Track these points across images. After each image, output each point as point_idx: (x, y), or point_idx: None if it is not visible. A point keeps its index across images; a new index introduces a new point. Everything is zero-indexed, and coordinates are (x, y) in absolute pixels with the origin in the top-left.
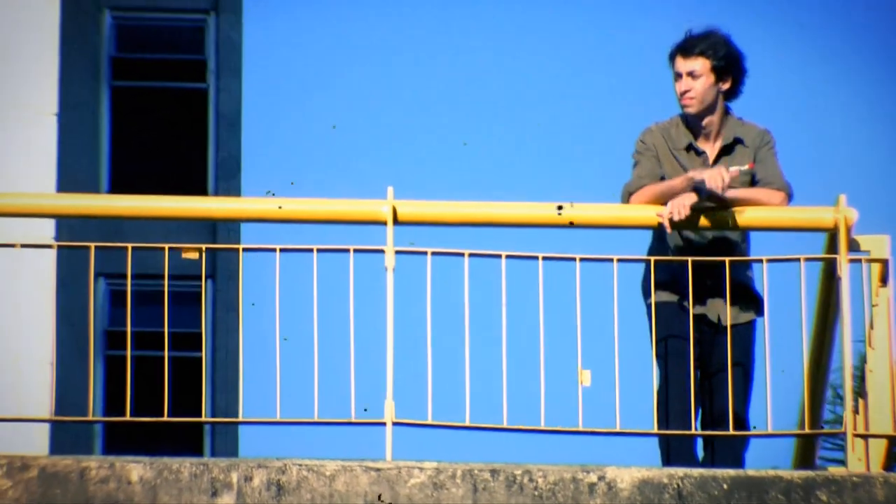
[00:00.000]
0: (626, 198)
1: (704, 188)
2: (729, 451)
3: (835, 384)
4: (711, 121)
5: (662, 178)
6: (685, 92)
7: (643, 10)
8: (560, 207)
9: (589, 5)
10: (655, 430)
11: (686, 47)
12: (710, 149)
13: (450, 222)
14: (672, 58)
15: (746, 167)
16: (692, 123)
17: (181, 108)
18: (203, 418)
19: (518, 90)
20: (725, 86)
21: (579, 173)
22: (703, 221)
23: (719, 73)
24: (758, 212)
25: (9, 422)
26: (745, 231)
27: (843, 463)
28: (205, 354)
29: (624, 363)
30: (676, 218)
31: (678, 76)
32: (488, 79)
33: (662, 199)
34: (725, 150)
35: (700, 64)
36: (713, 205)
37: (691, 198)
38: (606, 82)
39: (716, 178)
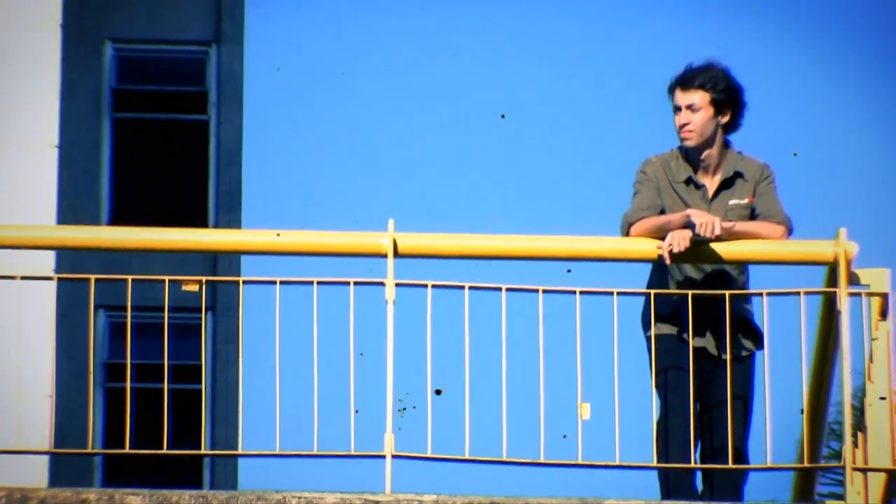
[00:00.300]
0: (626, 228)
1: (695, 231)
2: (728, 485)
3: (830, 420)
4: (710, 154)
5: (662, 210)
6: (684, 125)
7: (648, 16)
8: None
9: (597, 23)
10: (655, 464)
11: (685, 80)
12: (710, 182)
13: (450, 255)
14: (671, 91)
15: (746, 201)
16: (691, 156)
17: (182, 139)
18: (203, 451)
19: (523, 121)
20: (724, 119)
21: (582, 205)
22: (704, 255)
23: (718, 106)
24: (758, 245)
25: (8, 454)
26: (745, 264)
27: (842, 497)
28: (204, 387)
29: (623, 396)
30: (676, 250)
31: (677, 109)
32: (492, 112)
33: (661, 233)
34: (725, 184)
35: (699, 97)
36: (710, 238)
37: (687, 233)
38: (613, 114)
39: (707, 227)
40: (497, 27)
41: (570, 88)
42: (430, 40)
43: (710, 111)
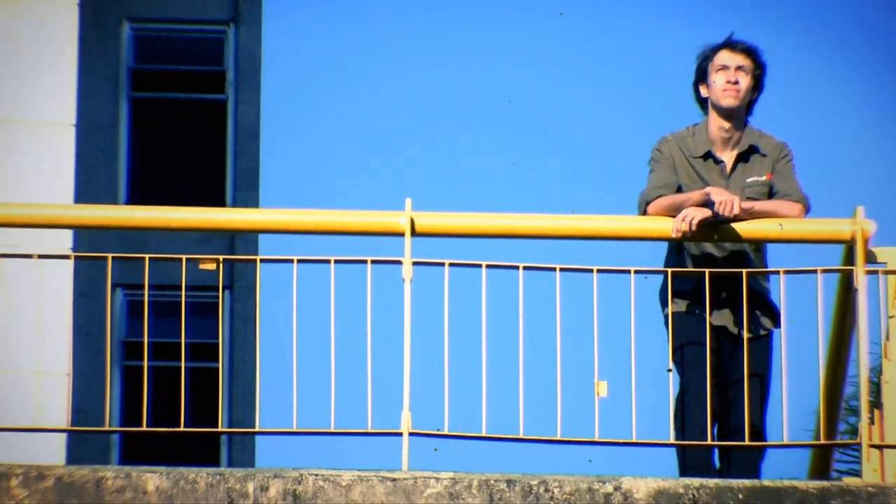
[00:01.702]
0: (643, 207)
1: (714, 208)
2: (745, 463)
3: (847, 397)
4: (734, 126)
5: (679, 188)
6: (733, 83)
7: (656, 18)
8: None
9: (608, 22)
10: (672, 441)
11: (735, 43)
12: (728, 157)
13: (467, 234)
14: (714, 50)
15: (764, 178)
16: (712, 128)
17: (200, 119)
18: (220, 429)
19: (540, 102)
20: (753, 95)
21: (597, 183)
22: (722, 232)
23: (756, 80)
24: (775, 223)
25: (26, 432)
26: (763, 243)
27: (858, 474)
28: (222, 365)
29: (640, 374)
30: (685, 228)
31: (723, 68)
32: (510, 91)
33: (678, 210)
34: (742, 157)
35: (747, 63)
36: (729, 217)
37: (703, 211)
38: (627, 95)
39: (726, 205)
40: (515, 18)
41: (585, 69)
42: (451, 21)
43: (750, 81)
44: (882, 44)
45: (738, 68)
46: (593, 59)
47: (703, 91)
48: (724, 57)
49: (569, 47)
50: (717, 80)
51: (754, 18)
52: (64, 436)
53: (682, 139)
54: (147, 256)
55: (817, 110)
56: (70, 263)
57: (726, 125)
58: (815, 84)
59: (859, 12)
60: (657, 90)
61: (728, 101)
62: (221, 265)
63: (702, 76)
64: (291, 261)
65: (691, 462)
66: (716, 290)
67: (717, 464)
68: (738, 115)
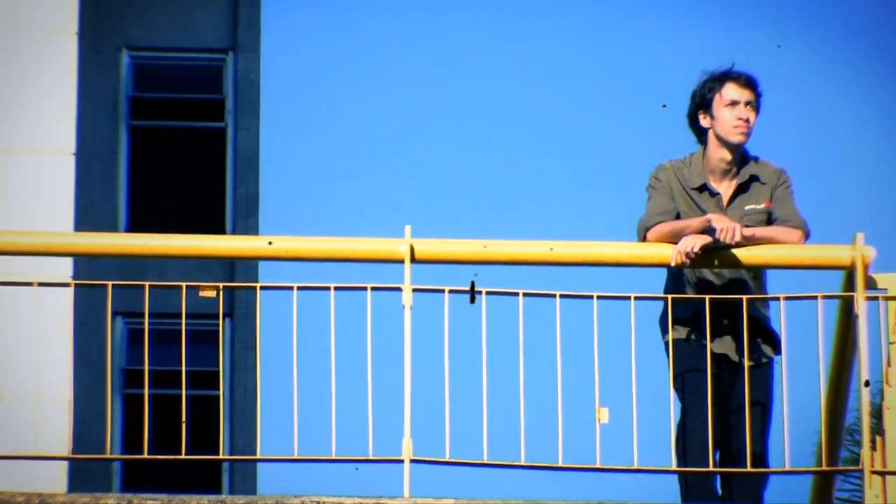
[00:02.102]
0: (643, 234)
1: (715, 234)
2: (748, 489)
3: (849, 424)
4: (734, 159)
5: (678, 215)
6: (744, 120)
7: (647, 17)
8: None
9: (611, 30)
10: (674, 468)
11: (742, 77)
12: (725, 188)
13: (467, 261)
14: (720, 82)
15: (762, 206)
16: (709, 162)
17: (199, 147)
18: (221, 456)
19: (541, 126)
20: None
21: (598, 209)
22: (721, 259)
23: (757, 112)
24: (775, 250)
25: (27, 459)
26: (762, 270)
27: (860, 500)
28: (222, 393)
29: (641, 400)
30: (684, 257)
31: (733, 103)
32: (510, 119)
33: (678, 237)
34: (742, 189)
35: (753, 97)
36: (729, 244)
37: (704, 238)
38: (634, 102)
39: (728, 232)
40: (511, 34)
41: (585, 94)
42: (444, 50)
43: (755, 115)
44: (888, 61)
45: (747, 104)
46: (599, 64)
47: (704, 121)
48: (733, 91)
49: (574, 52)
50: (726, 115)
51: (755, 21)
52: (65, 463)
53: (679, 169)
54: (147, 284)
55: (817, 134)
56: (70, 291)
57: (728, 157)
58: (815, 105)
59: (863, 22)
60: (663, 97)
61: (739, 137)
62: (221, 293)
63: (704, 106)
64: (291, 288)
65: (693, 488)
66: (716, 317)
67: (720, 491)
68: (740, 147)
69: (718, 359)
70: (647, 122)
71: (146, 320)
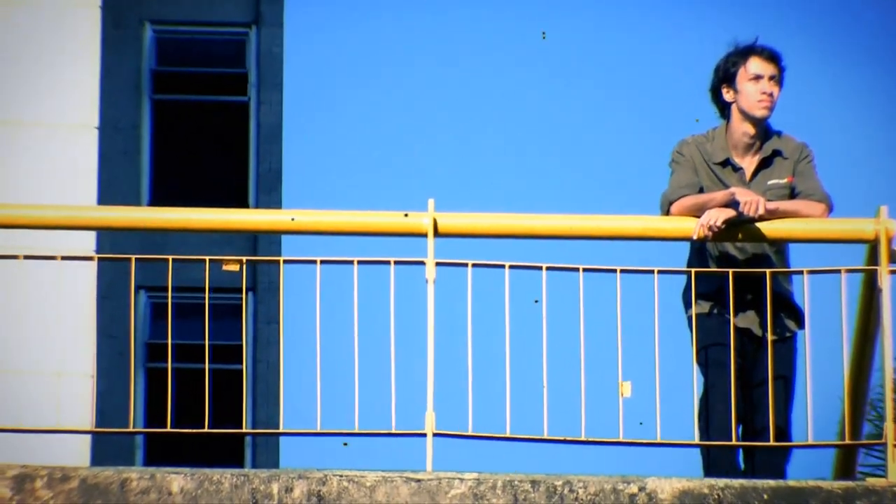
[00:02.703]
0: (667, 207)
1: (739, 208)
2: (770, 464)
3: (872, 398)
4: (758, 133)
5: (701, 189)
6: (768, 94)
7: (647, 15)
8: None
9: (624, 23)
10: (697, 441)
11: (766, 51)
12: (748, 163)
13: (490, 234)
14: (744, 56)
15: (785, 181)
16: (733, 137)
17: (222, 121)
18: (244, 430)
19: (563, 103)
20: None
21: (622, 183)
22: (745, 233)
23: (780, 87)
24: (798, 224)
25: (50, 433)
26: (785, 244)
27: (883, 473)
28: (245, 367)
29: (665, 374)
30: (706, 231)
31: (757, 77)
32: (535, 92)
33: (702, 211)
34: (764, 163)
35: (777, 71)
36: (753, 217)
37: (727, 212)
38: (641, 93)
39: (752, 205)
40: (559, 17)
41: (608, 70)
42: (475, 22)
43: (778, 90)
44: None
45: (771, 78)
46: (613, 58)
47: (728, 95)
48: (757, 66)
49: (587, 47)
50: (751, 89)
51: (762, 17)
52: (88, 437)
53: (701, 144)
54: (170, 258)
55: (839, 109)
56: (93, 265)
57: (752, 131)
58: (836, 82)
59: (876, 8)
60: (671, 91)
61: (763, 112)
62: (244, 266)
63: (727, 80)
64: (315, 262)
65: (716, 462)
66: (739, 292)
67: (742, 465)
68: (763, 122)
69: (741, 333)
70: (657, 97)
71: (169, 294)
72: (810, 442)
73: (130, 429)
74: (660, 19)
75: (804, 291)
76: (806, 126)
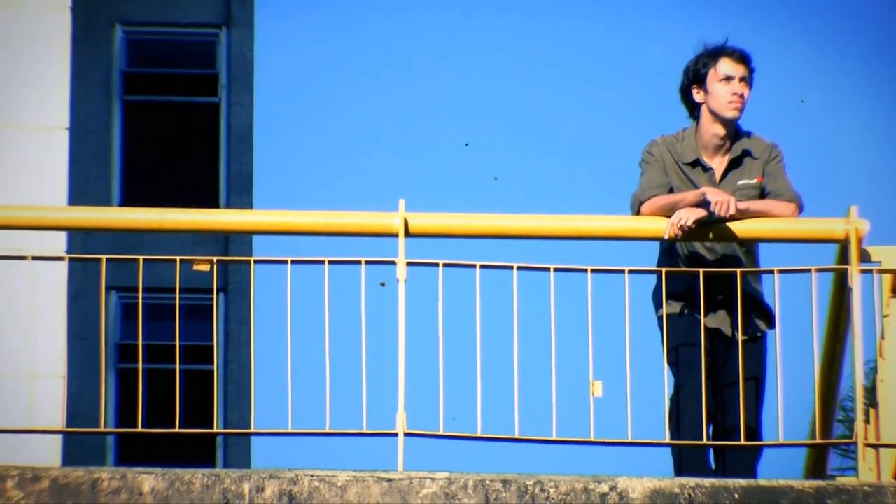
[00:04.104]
0: (637, 207)
1: (710, 208)
2: (741, 463)
3: (842, 397)
4: (727, 134)
5: (671, 189)
6: (738, 95)
7: (645, 15)
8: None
9: (607, 17)
10: (667, 441)
11: (736, 53)
12: (718, 163)
13: (461, 234)
14: (714, 57)
15: (755, 181)
16: (702, 138)
17: (193, 122)
18: (215, 430)
19: (534, 100)
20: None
21: (592, 184)
22: (715, 232)
23: (750, 88)
24: (769, 223)
25: (21, 433)
26: (755, 245)
27: (854, 473)
28: (216, 367)
29: (635, 374)
30: (677, 230)
31: (727, 78)
32: (504, 91)
33: (673, 211)
34: (734, 164)
35: (748, 74)
36: (723, 217)
37: (698, 211)
38: (627, 96)
39: (722, 205)
40: (511, 19)
41: (580, 73)
42: (440, 24)
43: (748, 91)
44: (878, 39)
45: (742, 79)
46: (592, 59)
47: (698, 96)
48: (728, 66)
49: (568, 49)
50: (721, 90)
51: (751, 16)
52: (59, 437)
53: (672, 144)
54: (141, 258)
55: (810, 109)
56: (64, 265)
57: (721, 132)
58: (807, 83)
59: (853, 8)
60: (655, 91)
61: (734, 112)
62: (215, 266)
63: (698, 80)
64: (285, 262)
65: (687, 462)
66: (710, 292)
67: (713, 465)
68: (733, 122)
69: (712, 333)
70: (639, 91)
71: (140, 294)
72: (781, 441)
73: (102, 429)
74: (660, 20)
75: (775, 291)
76: (775, 126)
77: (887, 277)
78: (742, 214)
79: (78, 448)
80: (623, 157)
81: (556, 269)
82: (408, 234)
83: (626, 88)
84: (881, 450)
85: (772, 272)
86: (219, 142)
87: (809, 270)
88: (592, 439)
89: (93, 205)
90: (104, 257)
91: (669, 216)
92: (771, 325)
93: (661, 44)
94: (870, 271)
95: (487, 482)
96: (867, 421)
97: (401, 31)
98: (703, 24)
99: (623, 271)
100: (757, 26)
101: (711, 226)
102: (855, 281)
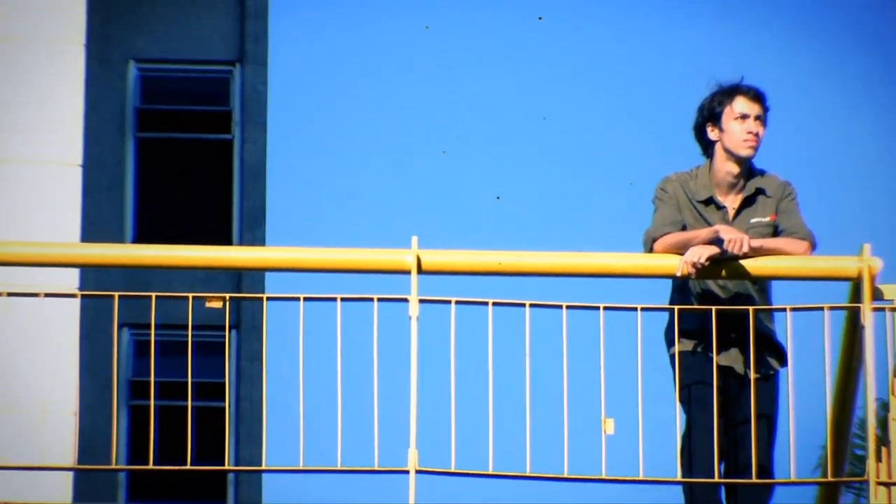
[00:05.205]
0: (650, 244)
1: (723, 245)
2: (753, 501)
3: (854, 435)
4: (741, 172)
5: (684, 227)
6: (754, 134)
7: (646, 20)
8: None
9: (624, 40)
10: (679, 479)
11: (752, 91)
12: (731, 201)
13: (474, 272)
14: (730, 96)
15: (768, 219)
16: (719, 172)
17: (206, 159)
18: (226, 466)
19: (547, 137)
20: None
21: (604, 222)
22: (728, 270)
23: (764, 127)
24: (782, 261)
25: (33, 470)
26: (767, 284)
27: None
28: (228, 404)
29: (647, 411)
30: (690, 268)
31: (743, 117)
32: (518, 131)
33: (685, 248)
34: (748, 202)
35: (762, 113)
36: (737, 255)
37: (711, 249)
38: (636, 128)
39: (736, 243)
40: (520, 41)
41: (596, 105)
42: (453, 58)
43: (763, 129)
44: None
45: (757, 118)
46: (608, 75)
47: (713, 134)
48: (743, 105)
49: (588, 68)
50: (736, 128)
51: (757, 22)
52: (71, 474)
53: (685, 182)
54: (154, 295)
55: (822, 146)
56: (77, 302)
57: (736, 170)
58: (820, 115)
59: (865, 26)
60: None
61: (749, 151)
62: (228, 303)
63: (713, 118)
64: (298, 299)
65: (698, 500)
66: (722, 330)
67: (725, 502)
68: (747, 161)
69: (724, 371)
70: (653, 130)
71: (152, 331)
72: (793, 479)
73: (113, 465)
74: (658, 23)
75: (787, 329)
76: (791, 161)
77: None
78: (755, 252)
79: (89, 484)
80: (634, 168)
81: (568, 307)
82: (420, 271)
83: (651, 106)
84: (893, 488)
85: (784, 310)
86: (232, 178)
87: (822, 308)
88: (604, 476)
89: (105, 241)
90: (117, 294)
91: (682, 254)
92: (783, 363)
93: (678, 54)
94: (882, 309)
95: None
96: (879, 459)
97: (416, 69)
98: (703, 25)
99: (636, 309)
100: (762, 29)
101: (724, 264)
102: (868, 319)
